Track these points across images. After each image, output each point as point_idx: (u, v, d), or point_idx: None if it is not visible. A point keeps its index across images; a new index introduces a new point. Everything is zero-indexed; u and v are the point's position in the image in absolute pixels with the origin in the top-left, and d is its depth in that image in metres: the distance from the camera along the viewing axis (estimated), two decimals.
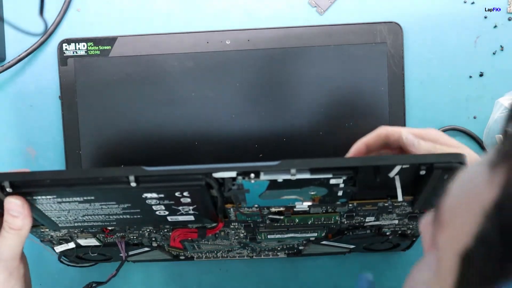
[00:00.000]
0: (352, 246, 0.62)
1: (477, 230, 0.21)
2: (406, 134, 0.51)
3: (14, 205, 0.44)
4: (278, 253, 0.67)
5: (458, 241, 0.23)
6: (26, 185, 0.44)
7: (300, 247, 0.64)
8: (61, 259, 0.61)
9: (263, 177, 0.43)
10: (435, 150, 0.50)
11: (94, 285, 0.62)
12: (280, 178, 0.43)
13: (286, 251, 0.66)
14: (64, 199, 0.45)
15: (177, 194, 0.45)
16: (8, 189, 0.44)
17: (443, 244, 0.25)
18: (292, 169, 0.42)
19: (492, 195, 0.21)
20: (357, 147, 0.53)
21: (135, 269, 0.71)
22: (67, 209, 0.47)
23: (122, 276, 0.69)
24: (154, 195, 0.45)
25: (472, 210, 0.22)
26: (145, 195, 0.45)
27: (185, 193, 0.45)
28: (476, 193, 0.22)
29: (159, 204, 0.47)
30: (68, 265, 0.62)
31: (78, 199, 0.45)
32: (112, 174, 0.43)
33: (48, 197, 0.45)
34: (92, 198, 0.45)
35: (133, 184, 0.43)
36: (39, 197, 0.45)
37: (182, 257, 0.66)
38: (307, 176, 0.43)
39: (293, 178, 0.43)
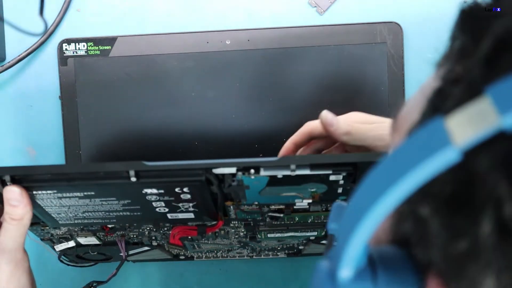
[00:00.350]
0: None
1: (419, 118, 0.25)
2: (325, 114, 0.54)
3: (13, 193, 0.44)
4: (278, 253, 0.67)
5: (406, 131, 0.27)
6: (26, 179, 0.44)
7: (300, 247, 0.64)
8: (61, 259, 0.60)
9: (263, 172, 0.43)
10: (352, 128, 0.53)
11: (94, 284, 0.62)
12: (280, 174, 0.43)
13: (286, 251, 0.66)
14: (64, 194, 0.45)
15: (177, 190, 0.45)
16: (9, 183, 0.44)
17: (394, 143, 0.29)
18: (292, 164, 0.42)
19: (434, 85, 0.25)
20: (286, 147, 0.57)
21: (135, 269, 0.70)
22: (67, 205, 0.47)
23: (122, 275, 0.69)
24: (154, 190, 0.45)
25: (418, 106, 0.26)
26: (145, 190, 0.45)
27: (185, 189, 0.45)
28: (424, 92, 0.26)
29: (159, 200, 0.47)
30: (68, 264, 0.62)
31: (78, 194, 0.46)
32: (113, 168, 0.43)
33: (48, 192, 0.45)
34: (92, 193, 0.45)
35: (133, 179, 0.43)
36: (39, 192, 0.45)
37: (182, 257, 0.66)
38: (306, 172, 0.43)
39: (293, 174, 0.43)
